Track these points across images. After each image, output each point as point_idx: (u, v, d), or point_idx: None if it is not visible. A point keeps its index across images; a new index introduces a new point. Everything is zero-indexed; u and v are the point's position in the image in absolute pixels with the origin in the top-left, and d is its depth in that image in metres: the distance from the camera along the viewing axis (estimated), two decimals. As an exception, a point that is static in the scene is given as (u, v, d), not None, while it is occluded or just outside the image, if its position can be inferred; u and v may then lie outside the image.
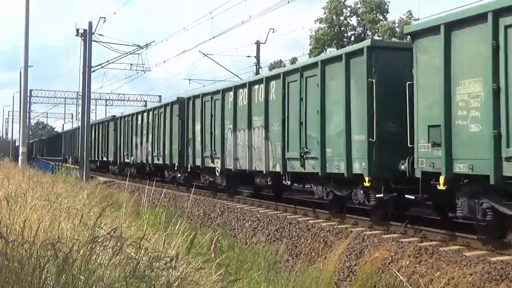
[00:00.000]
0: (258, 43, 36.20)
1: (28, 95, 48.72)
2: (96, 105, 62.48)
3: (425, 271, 7.97)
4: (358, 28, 48.01)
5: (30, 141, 68.67)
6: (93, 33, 28.92)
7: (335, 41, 46.48)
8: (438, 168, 8.51)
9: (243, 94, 15.40)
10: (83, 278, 4.04)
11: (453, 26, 8.38)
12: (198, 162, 18.16)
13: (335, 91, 11.23)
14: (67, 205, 7.78)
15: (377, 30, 45.04)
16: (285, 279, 7.97)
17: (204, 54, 33.80)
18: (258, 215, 13.32)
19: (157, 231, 6.12)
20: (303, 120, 12.24)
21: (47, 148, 70.38)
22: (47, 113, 76.06)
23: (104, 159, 33.17)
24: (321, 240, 10.49)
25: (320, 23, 47.64)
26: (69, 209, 7.12)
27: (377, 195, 10.09)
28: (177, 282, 4.05)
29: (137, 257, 4.33)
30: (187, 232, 5.65)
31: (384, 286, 8.05)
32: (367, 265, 8.70)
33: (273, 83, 13.73)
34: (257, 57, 36.29)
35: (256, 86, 14.65)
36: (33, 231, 4.55)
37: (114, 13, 34.88)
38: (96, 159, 35.52)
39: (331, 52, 13.42)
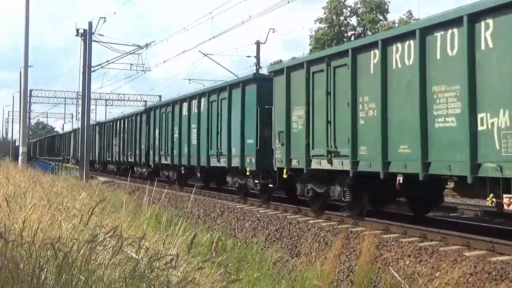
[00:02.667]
0: (258, 43, 36.22)
1: (28, 95, 48.74)
2: (96, 105, 62.62)
3: (425, 271, 7.97)
4: (358, 28, 48.07)
5: (30, 141, 68.70)
6: (93, 33, 28.93)
7: (335, 41, 46.50)
8: None
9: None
10: (83, 278, 4.03)
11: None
12: (299, 162, 12.41)
13: None
14: (66, 205, 7.78)
15: (377, 30, 45.05)
16: (285, 279, 7.97)
17: (204, 54, 33.86)
18: (258, 215, 13.31)
19: (157, 231, 6.12)
20: None
21: (47, 148, 70.38)
22: (47, 113, 76.22)
23: (130, 159, 27.57)
24: (321, 240, 10.49)
25: (320, 23, 47.77)
26: (68, 209, 7.12)
27: None
28: (177, 282, 4.05)
29: (136, 257, 4.33)
30: (188, 232, 5.65)
31: (384, 286, 8.05)
32: (362, 264, 8.70)
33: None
34: (257, 57, 36.31)
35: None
36: (33, 231, 4.55)
37: (114, 13, 35.00)
38: (117, 160, 30.50)
39: None
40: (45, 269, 4.04)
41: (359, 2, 47.34)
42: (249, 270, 7.79)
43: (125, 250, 4.46)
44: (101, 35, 30.93)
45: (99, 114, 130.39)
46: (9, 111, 79.48)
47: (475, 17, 8.06)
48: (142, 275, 3.95)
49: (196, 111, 18.76)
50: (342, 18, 47.73)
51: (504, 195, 7.84)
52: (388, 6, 47.04)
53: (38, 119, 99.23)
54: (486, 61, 7.92)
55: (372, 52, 10.18)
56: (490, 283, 7.04)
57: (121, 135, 29.63)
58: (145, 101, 57.66)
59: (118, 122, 30.96)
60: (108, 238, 4.49)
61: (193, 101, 19.18)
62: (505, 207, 7.92)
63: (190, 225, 11.82)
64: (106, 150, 33.24)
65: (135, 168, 27.30)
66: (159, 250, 4.85)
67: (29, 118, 59.37)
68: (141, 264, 4.14)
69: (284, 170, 12.88)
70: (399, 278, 7.77)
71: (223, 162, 16.33)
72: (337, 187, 11.38)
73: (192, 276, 4.28)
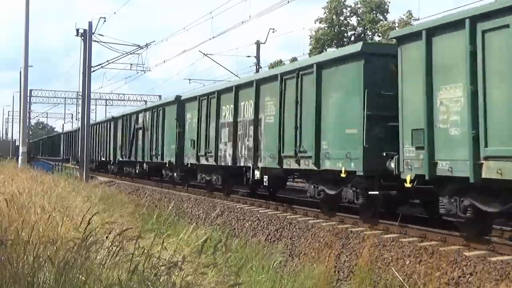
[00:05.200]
0: (258, 43, 36.20)
1: (28, 95, 48.78)
2: (96, 105, 62.64)
3: (425, 271, 7.97)
4: (358, 28, 48.05)
5: (30, 141, 68.70)
6: (93, 33, 28.93)
7: (335, 41, 46.49)
8: None
9: None
10: (83, 278, 4.03)
11: None
12: (452, 168, 8.30)
13: None
14: (67, 205, 7.78)
15: (377, 30, 45.06)
16: (286, 279, 7.97)
17: (204, 54, 33.83)
18: (258, 215, 13.30)
19: (159, 232, 6.13)
20: None
21: (48, 148, 70.39)
22: (47, 113, 76.35)
23: (156, 159, 22.40)
24: (321, 240, 10.48)
25: (320, 23, 47.70)
26: (68, 209, 7.12)
27: None
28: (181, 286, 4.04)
29: (139, 258, 4.33)
30: (190, 233, 5.65)
31: (384, 286, 8.05)
32: (361, 263, 8.70)
33: None
34: (257, 57, 36.29)
35: None
36: (33, 231, 4.54)
37: (114, 13, 34.75)
38: (139, 160, 24.99)
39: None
40: (45, 269, 4.03)
41: (359, 2, 47.31)
42: (250, 270, 7.79)
43: (128, 252, 4.45)
44: (101, 35, 30.87)
45: (99, 114, 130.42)
46: (9, 111, 79.71)
47: None
48: (146, 277, 3.94)
49: (253, 100, 14.58)
50: (342, 18, 47.68)
51: None
52: (388, 6, 47.06)
53: (38, 119, 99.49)
54: None
55: None
56: (490, 283, 7.04)
57: (145, 131, 24.26)
58: (145, 101, 57.67)
59: (138, 116, 25.60)
60: (115, 239, 4.48)
61: (247, 89, 14.93)
62: None
63: (190, 225, 11.81)
64: (124, 150, 27.82)
65: (163, 171, 22.48)
66: (161, 252, 4.84)
67: (29, 118, 59.42)
68: (144, 266, 4.14)
69: (408, 177, 9.04)
70: (400, 278, 7.77)
71: (304, 164, 12.15)
72: None
73: (195, 280, 4.28)
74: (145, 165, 24.42)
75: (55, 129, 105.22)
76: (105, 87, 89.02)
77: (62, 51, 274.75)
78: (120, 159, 28.76)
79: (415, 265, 8.24)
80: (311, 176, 12.32)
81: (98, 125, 35.48)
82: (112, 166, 31.68)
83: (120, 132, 29.00)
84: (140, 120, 25.25)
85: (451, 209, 8.66)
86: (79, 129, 35.34)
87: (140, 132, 25.01)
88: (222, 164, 16.08)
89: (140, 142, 24.92)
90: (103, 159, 32.78)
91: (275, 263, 9.37)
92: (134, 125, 26.05)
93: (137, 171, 26.16)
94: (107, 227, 5.81)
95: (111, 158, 30.70)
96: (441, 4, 77.46)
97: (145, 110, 25.08)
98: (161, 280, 4.06)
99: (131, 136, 26.36)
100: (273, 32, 57.02)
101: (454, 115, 8.31)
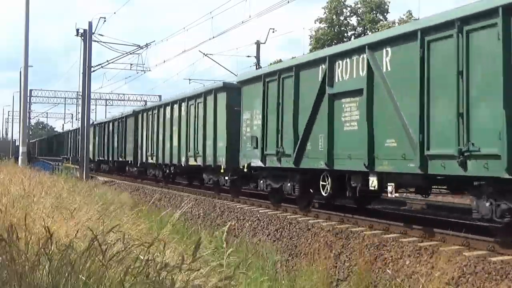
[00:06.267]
0: (258, 43, 36.24)
1: (28, 95, 48.80)
2: (96, 105, 62.65)
3: (425, 271, 7.97)
4: (358, 28, 48.07)
5: (30, 141, 68.71)
6: (93, 33, 28.95)
7: (335, 41, 46.49)
8: None
9: None
10: (83, 278, 4.04)
11: None
12: None
13: None
14: (68, 205, 7.78)
15: (377, 30, 45.06)
16: (285, 280, 7.99)
17: (204, 54, 33.82)
18: (258, 215, 13.30)
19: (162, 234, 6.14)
20: None
21: (48, 148, 70.39)
22: (47, 113, 76.40)
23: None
24: (321, 240, 10.49)
25: (320, 23, 47.74)
26: (69, 208, 7.13)
27: None
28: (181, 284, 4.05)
29: (139, 257, 4.34)
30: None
31: (384, 286, 8.06)
32: (361, 263, 8.71)
33: None
34: (257, 57, 36.34)
35: None
36: (33, 230, 4.56)
37: (114, 13, 34.74)
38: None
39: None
40: (45, 268, 4.04)
41: (359, 2, 47.36)
42: (249, 270, 7.79)
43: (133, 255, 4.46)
44: (101, 35, 30.88)
45: (99, 114, 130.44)
46: (9, 111, 79.77)
47: None
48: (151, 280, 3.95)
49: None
50: (342, 18, 47.73)
51: None
52: (388, 6, 47.12)
53: (38, 119, 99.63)
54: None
55: None
56: (490, 283, 7.04)
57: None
58: (145, 101, 57.68)
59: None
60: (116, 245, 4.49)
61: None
62: None
63: (190, 225, 11.83)
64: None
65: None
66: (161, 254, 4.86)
67: (29, 118, 59.48)
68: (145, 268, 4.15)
69: None
70: (399, 278, 7.78)
71: None
72: None
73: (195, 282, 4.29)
74: (331, 179, 11.51)
75: (55, 129, 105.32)
76: (105, 87, 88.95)
77: (62, 51, 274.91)
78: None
79: (415, 265, 8.25)
80: None
81: (180, 103, 20.24)
82: (207, 176, 17.81)
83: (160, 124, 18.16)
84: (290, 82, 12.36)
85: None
86: (114, 119, 30.00)
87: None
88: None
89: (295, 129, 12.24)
90: (176, 162, 20.31)
91: (272, 263, 9.39)
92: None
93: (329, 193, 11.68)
94: (103, 226, 5.82)
95: (221, 161, 16.39)
96: (441, 4, 77.53)
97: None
98: (160, 279, 4.07)
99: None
100: (273, 32, 57.04)
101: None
